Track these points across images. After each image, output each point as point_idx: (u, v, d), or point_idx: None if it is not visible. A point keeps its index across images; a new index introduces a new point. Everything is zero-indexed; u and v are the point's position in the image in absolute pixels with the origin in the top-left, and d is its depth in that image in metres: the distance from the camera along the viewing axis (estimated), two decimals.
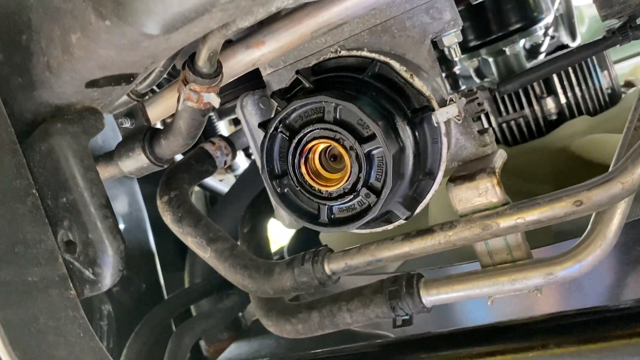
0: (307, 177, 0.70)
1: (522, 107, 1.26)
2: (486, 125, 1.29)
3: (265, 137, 0.70)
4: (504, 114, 1.28)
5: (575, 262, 0.69)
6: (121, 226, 1.48)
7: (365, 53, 0.75)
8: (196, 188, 1.86)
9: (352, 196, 0.68)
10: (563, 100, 1.24)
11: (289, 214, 0.72)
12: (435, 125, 0.71)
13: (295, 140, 0.68)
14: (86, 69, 0.55)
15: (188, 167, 0.99)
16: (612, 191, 0.64)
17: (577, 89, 1.24)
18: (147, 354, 1.19)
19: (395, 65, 0.73)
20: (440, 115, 0.71)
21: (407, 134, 0.69)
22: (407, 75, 0.72)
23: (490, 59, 1.42)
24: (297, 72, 0.73)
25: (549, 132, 1.24)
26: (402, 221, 0.78)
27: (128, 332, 1.29)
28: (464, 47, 1.38)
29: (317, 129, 0.67)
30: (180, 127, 0.79)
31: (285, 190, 0.72)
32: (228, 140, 1.06)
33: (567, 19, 1.63)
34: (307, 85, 0.71)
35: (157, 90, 1.03)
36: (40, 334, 0.54)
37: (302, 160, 0.69)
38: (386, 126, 0.66)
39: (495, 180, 0.72)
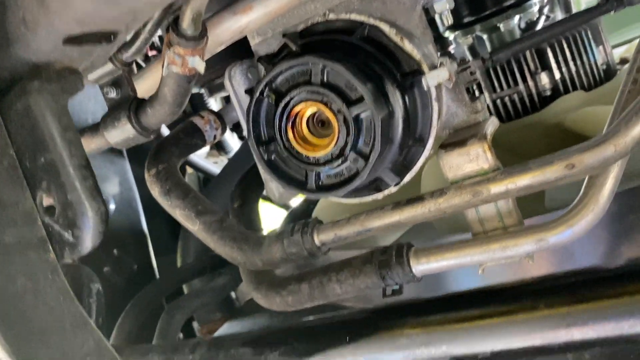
0: (294, 143, 0.69)
1: (516, 83, 1.24)
2: None
3: (251, 101, 0.69)
4: (498, 90, 1.26)
5: (567, 227, 0.68)
6: (112, 207, 1.46)
7: (354, 16, 0.73)
8: (190, 170, 1.85)
9: (340, 161, 0.67)
10: (557, 75, 1.22)
11: (276, 180, 0.71)
12: (426, 89, 0.69)
13: (282, 104, 0.67)
14: (63, 23, 0.53)
15: (176, 141, 0.98)
16: (605, 154, 0.63)
17: (571, 64, 1.22)
18: (138, 332, 1.17)
19: (385, 28, 0.71)
20: (431, 79, 0.69)
21: (396, 98, 0.68)
22: (397, 39, 0.71)
23: (485, 36, 1.40)
24: (284, 35, 0.71)
25: (543, 108, 1.23)
26: (392, 189, 0.76)
27: (119, 312, 1.28)
28: (458, 23, 1.37)
29: (304, 91, 0.65)
30: (166, 95, 0.77)
31: (273, 157, 0.71)
32: (217, 114, 1.04)
33: None
34: (294, 48, 0.70)
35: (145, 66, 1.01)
36: (17, 295, 0.53)
37: (290, 125, 0.68)
38: (375, 89, 0.65)
39: (487, 146, 0.71)
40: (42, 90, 0.56)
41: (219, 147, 1.93)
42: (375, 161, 0.65)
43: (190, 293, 1.26)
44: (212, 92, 1.32)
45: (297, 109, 0.67)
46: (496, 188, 0.69)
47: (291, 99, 0.66)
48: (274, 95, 0.67)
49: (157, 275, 1.50)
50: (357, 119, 0.64)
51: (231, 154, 2.05)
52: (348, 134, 0.65)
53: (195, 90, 1.25)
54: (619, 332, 0.51)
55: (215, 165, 1.92)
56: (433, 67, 0.73)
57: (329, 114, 0.65)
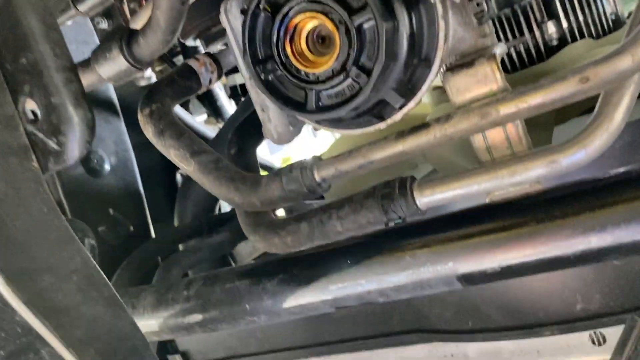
0: (292, 59, 0.65)
1: (522, 33, 1.21)
2: None
3: (246, 16, 0.65)
4: (504, 40, 1.22)
5: (580, 148, 0.64)
6: (107, 166, 1.43)
7: None
8: None
9: (341, 77, 0.63)
10: (565, 24, 1.19)
11: (273, 101, 0.67)
12: (432, 2, 0.66)
13: (279, 17, 0.63)
14: None
15: (171, 82, 0.94)
16: (622, 65, 0.59)
17: (579, 13, 1.19)
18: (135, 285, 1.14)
19: None
20: None
21: (401, 10, 0.64)
22: None
23: None
24: None
25: (550, 58, 1.19)
26: (396, 116, 0.73)
27: (114, 271, 1.24)
28: None
29: (303, 1, 0.62)
30: (158, 19, 0.74)
31: (270, 77, 0.67)
32: (213, 57, 1.01)
33: None
34: None
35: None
36: None
37: (288, 40, 0.64)
38: None
39: (495, 66, 0.67)
40: None
41: (217, 113, 1.90)
42: (378, 77, 0.62)
43: (187, 249, 1.23)
44: (208, 42, 1.28)
45: (295, 21, 0.63)
46: (506, 108, 0.65)
47: (289, 9, 0.62)
48: (271, 7, 0.64)
49: (154, 236, 1.47)
50: (359, 29, 0.61)
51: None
52: (350, 46, 0.61)
53: (190, 43, 1.21)
54: (635, 238, 0.48)
55: (213, 131, 1.88)
56: None
57: (329, 26, 0.62)
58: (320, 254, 0.69)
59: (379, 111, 0.72)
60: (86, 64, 0.85)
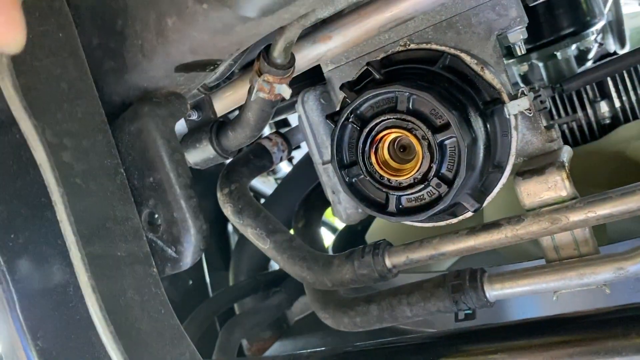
0: (376, 167, 0.71)
1: (575, 111, 1.25)
2: None
3: (336, 127, 0.71)
4: (556, 117, 1.27)
5: None
6: None
7: (435, 46, 0.76)
8: None
9: (422, 186, 0.69)
10: (617, 104, 1.23)
11: (357, 203, 0.73)
12: (507, 117, 0.71)
13: (366, 130, 0.69)
14: (178, 52, 0.57)
15: (247, 162, 1.01)
16: None
17: (632, 93, 1.23)
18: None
19: (466, 58, 0.73)
20: (512, 108, 0.71)
21: (478, 125, 0.70)
22: (477, 68, 0.73)
23: (541, 64, 1.42)
24: (368, 63, 0.74)
25: (602, 137, 1.23)
26: (467, 214, 0.78)
27: None
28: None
29: (390, 118, 0.68)
30: (249, 119, 0.81)
31: (354, 180, 0.73)
32: (284, 136, 1.08)
33: (616, 26, 1.61)
34: (377, 76, 0.73)
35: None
36: (127, 307, 0.56)
37: (372, 150, 0.70)
38: (459, 116, 0.67)
39: (565, 174, 0.72)
40: (153, 114, 0.60)
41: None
42: (459, 186, 0.67)
43: (247, 311, 1.28)
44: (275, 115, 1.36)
45: (380, 134, 0.69)
46: (575, 216, 0.70)
47: (376, 124, 0.69)
48: (358, 121, 0.70)
49: (210, 291, 1.53)
50: (441, 145, 0.66)
51: (278, 175, 2.09)
52: (432, 160, 0.67)
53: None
54: None
55: (263, 184, 1.96)
56: (510, 95, 0.75)
57: (413, 140, 0.68)
58: (376, 352, 0.73)
59: (452, 211, 0.77)
60: None
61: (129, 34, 0.58)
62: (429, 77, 0.71)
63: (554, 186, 0.72)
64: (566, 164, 0.73)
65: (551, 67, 1.40)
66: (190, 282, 1.47)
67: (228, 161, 1.01)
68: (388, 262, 0.84)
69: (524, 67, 1.42)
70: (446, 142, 0.67)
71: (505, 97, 0.73)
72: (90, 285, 0.48)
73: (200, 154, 0.89)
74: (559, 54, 1.33)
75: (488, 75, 0.73)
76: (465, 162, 0.66)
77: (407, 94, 0.67)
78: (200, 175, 1.02)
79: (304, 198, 1.16)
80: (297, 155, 1.73)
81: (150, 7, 0.56)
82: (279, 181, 2.01)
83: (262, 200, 1.87)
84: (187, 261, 0.61)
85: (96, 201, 0.56)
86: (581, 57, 1.57)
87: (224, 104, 0.97)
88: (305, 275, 0.91)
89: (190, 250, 0.61)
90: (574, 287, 0.73)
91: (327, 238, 2.15)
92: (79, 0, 0.61)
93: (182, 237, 0.60)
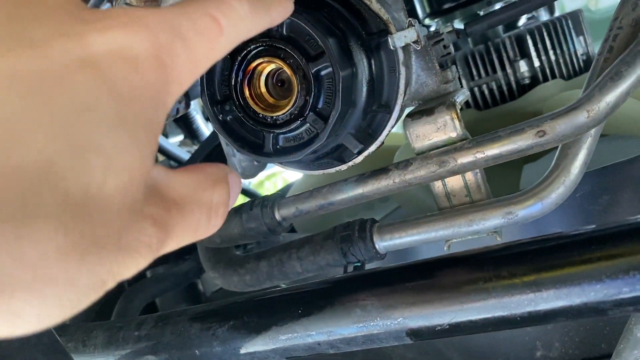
0: (250, 102, 0.64)
1: (494, 71, 1.22)
2: None
3: None
4: (476, 77, 1.23)
5: (537, 200, 0.64)
6: None
7: None
8: (161, 157, 1.79)
9: (299, 122, 0.62)
10: (537, 63, 1.20)
11: (231, 143, 0.66)
12: (392, 49, 0.65)
13: (238, 59, 0.62)
14: None
15: None
16: (578, 120, 0.59)
17: (551, 53, 1.20)
18: (96, 314, 1.12)
19: None
20: (398, 40, 0.65)
21: (360, 58, 0.64)
22: None
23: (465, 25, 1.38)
24: None
25: (521, 96, 1.20)
26: (356, 160, 0.72)
27: None
28: (438, 10, 1.34)
29: (261, 44, 0.61)
30: None
31: (228, 117, 0.66)
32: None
33: None
34: None
35: None
36: None
37: (246, 82, 0.64)
38: (337, 45, 0.61)
39: (455, 114, 0.67)
40: None
41: (193, 136, 1.88)
42: (335, 123, 0.61)
43: (151, 277, 1.20)
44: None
45: (254, 64, 0.62)
46: (464, 158, 0.65)
47: (248, 52, 0.62)
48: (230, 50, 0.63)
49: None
50: (317, 75, 0.60)
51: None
52: (308, 92, 0.61)
53: None
54: (585, 299, 0.47)
55: (188, 154, 1.87)
56: (401, 30, 0.69)
57: (288, 71, 0.61)
58: (272, 300, 0.67)
59: (339, 154, 0.72)
60: None
61: None
62: (310, 2, 0.65)
63: (443, 127, 0.67)
64: (457, 104, 0.68)
65: None
66: None
67: None
68: (277, 214, 0.78)
69: (449, 29, 1.38)
70: (322, 72, 0.60)
71: (393, 29, 0.67)
72: None
73: None
74: (481, 13, 1.29)
75: (375, 5, 0.67)
76: (341, 94, 0.60)
77: None
78: None
79: (204, 158, 1.08)
80: None
81: None
82: None
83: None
84: None
85: None
86: (510, 25, 1.54)
87: None
88: None
89: None
90: (464, 234, 0.68)
91: None
92: None
93: None
